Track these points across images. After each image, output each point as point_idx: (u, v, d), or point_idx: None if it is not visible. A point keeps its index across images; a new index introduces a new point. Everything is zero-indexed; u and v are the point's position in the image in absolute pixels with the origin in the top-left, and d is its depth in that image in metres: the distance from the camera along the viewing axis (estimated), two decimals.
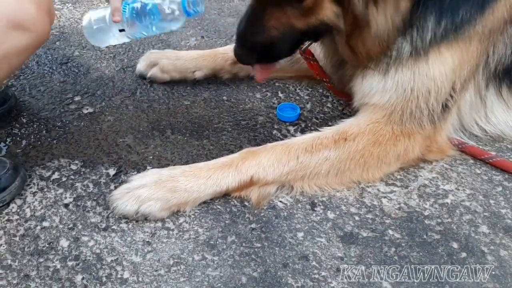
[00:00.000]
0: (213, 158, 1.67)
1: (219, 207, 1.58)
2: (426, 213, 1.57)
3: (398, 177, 1.71)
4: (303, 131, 1.91)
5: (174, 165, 1.68)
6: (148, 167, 1.70)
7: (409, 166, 1.74)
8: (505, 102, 1.84)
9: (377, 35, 1.51)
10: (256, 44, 1.62)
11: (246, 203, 1.59)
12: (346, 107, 2.03)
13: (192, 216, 1.55)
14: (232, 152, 1.72)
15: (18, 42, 1.42)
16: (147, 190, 1.51)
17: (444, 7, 1.53)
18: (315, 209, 1.59)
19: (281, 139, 1.81)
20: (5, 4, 1.39)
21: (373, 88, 1.66)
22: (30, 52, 1.57)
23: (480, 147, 1.82)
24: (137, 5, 1.63)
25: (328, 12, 1.49)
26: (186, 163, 1.70)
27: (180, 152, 1.79)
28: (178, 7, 1.62)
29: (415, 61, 1.59)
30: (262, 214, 1.56)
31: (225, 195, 1.60)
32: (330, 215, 1.57)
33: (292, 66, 2.16)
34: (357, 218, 1.56)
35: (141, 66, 2.14)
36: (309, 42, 1.83)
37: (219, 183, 1.57)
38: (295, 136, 1.86)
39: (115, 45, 2.40)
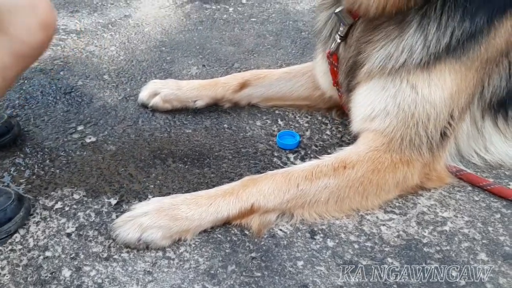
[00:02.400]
0: (213, 186, 1.69)
1: (219, 236, 1.59)
2: (425, 241, 1.58)
3: (397, 204, 1.72)
4: (303, 159, 1.93)
5: (175, 193, 1.70)
6: (149, 196, 1.72)
7: (408, 193, 1.75)
8: (502, 133, 1.85)
9: None
10: None
11: (247, 232, 1.61)
12: (345, 134, 2.06)
13: (193, 245, 1.56)
14: (232, 180, 1.75)
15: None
16: (149, 218, 1.53)
17: (468, 8, 1.50)
18: (315, 237, 1.60)
19: (281, 167, 1.84)
20: None
21: (375, 108, 1.66)
22: (25, 63, 1.56)
23: (478, 173, 1.83)
24: None
25: None
26: (187, 191, 1.72)
27: (181, 180, 1.82)
28: None
29: (420, 73, 1.58)
30: (262, 243, 1.58)
31: (226, 224, 1.62)
32: (330, 243, 1.58)
33: (291, 94, 2.20)
34: (356, 246, 1.57)
35: (143, 95, 2.19)
36: (337, 42, 1.80)
37: (220, 210, 1.59)
38: (295, 164, 1.89)
39: (118, 75, 2.45)
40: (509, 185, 1.80)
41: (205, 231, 1.60)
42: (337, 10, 1.73)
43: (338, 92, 1.96)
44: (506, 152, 1.88)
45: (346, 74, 1.82)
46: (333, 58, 1.86)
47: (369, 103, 1.69)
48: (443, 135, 1.68)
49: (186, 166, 1.88)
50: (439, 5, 1.54)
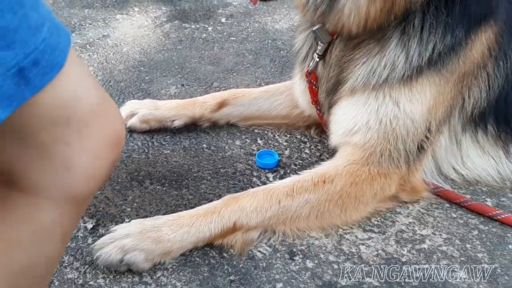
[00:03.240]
0: (192, 208, 1.67)
1: (197, 259, 1.57)
2: (404, 259, 1.58)
3: (376, 223, 1.72)
4: (282, 178, 1.92)
5: (152, 216, 1.68)
6: (126, 220, 1.70)
7: (386, 205, 1.75)
8: (480, 146, 1.88)
9: None
10: None
11: (225, 254, 1.59)
12: (323, 152, 2.06)
13: (170, 269, 1.54)
14: (211, 201, 1.73)
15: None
16: (132, 240, 1.50)
17: (452, 20, 1.54)
18: (294, 258, 1.59)
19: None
20: None
21: (357, 123, 1.67)
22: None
23: (455, 190, 1.85)
24: None
25: None
26: (165, 214, 1.70)
27: (159, 203, 1.79)
28: None
29: (402, 88, 1.61)
30: (241, 265, 1.56)
31: (208, 244, 1.59)
32: (309, 264, 1.57)
33: (270, 112, 2.20)
34: (335, 266, 1.56)
35: None
36: (315, 61, 1.80)
37: (202, 229, 1.57)
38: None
39: None
40: (486, 201, 1.82)
41: (182, 254, 1.57)
42: (314, 28, 1.75)
43: (316, 111, 1.97)
44: (483, 167, 1.90)
45: (327, 92, 1.83)
46: (311, 76, 1.86)
47: (351, 117, 1.70)
48: (420, 148, 1.71)
49: (164, 188, 1.86)
50: (417, 21, 1.58)
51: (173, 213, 1.65)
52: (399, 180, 1.72)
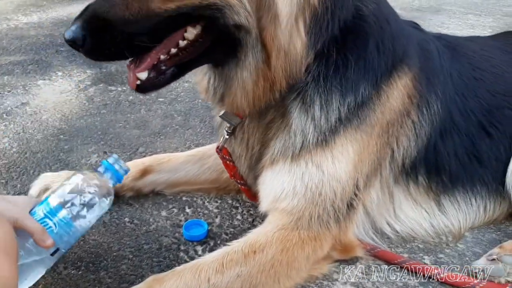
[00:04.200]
0: None
1: None
2: None
3: None
4: (211, 250, 1.77)
5: None
6: None
7: (321, 269, 1.65)
8: (413, 198, 1.83)
9: (286, 40, 1.44)
10: (110, 24, 1.35)
11: None
12: (256, 217, 1.95)
13: None
14: (132, 284, 1.55)
15: None
16: None
17: (348, 81, 1.53)
18: None
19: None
20: None
21: (284, 189, 1.60)
22: None
23: (392, 249, 1.77)
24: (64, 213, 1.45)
25: None
26: None
27: None
28: (99, 183, 1.52)
29: (321, 152, 1.57)
30: None
31: None
32: None
33: (199, 177, 2.08)
34: None
35: (33, 191, 1.96)
36: (226, 138, 1.78)
37: None
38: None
39: (8, 170, 2.22)
40: (424, 259, 1.75)
41: None
42: (220, 114, 1.75)
43: (239, 185, 1.91)
44: (416, 220, 1.85)
45: (249, 167, 1.78)
46: (223, 152, 1.83)
47: (278, 185, 1.63)
48: (350, 207, 1.64)
49: (80, 272, 1.66)
50: (311, 91, 1.56)
51: None
52: (331, 241, 1.64)
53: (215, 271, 1.49)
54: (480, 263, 1.64)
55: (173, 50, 1.48)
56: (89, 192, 1.50)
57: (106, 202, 1.55)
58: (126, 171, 1.61)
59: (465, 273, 1.66)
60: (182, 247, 1.80)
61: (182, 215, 1.97)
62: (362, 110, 1.58)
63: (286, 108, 1.60)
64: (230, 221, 1.94)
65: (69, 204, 1.47)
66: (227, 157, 1.84)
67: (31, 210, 1.45)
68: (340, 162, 1.59)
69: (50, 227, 1.43)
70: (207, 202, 2.06)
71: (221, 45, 1.48)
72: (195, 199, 2.07)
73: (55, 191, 1.50)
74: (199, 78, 1.74)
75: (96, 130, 2.55)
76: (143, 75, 1.47)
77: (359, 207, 1.71)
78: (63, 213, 1.45)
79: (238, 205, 2.04)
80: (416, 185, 1.82)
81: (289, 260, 1.56)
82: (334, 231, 1.62)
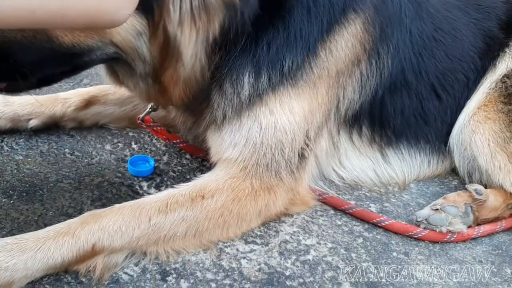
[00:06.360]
0: (46, 226, 1.39)
1: (47, 286, 1.30)
2: (287, 273, 1.45)
3: (258, 233, 1.58)
4: (158, 187, 1.72)
5: None
6: None
7: (271, 220, 1.63)
8: (357, 148, 1.85)
9: (187, 74, 1.43)
10: None
11: (83, 279, 1.33)
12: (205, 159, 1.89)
13: None
14: (71, 216, 1.45)
15: None
16: None
17: (261, 59, 1.50)
18: (167, 278, 1.38)
19: (133, 198, 1.60)
20: None
21: (224, 142, 1.57)
22: None
23: (340, 196, 1.77)
24: None
25: (126, 27, 1.28)
26: (11, 233, 1.41)
27: (4, 219, 1.48)
28: None
29: (254, 112, 1.54)
30: None
31: (65, 270, 1.33)
32: (184, 284, 1.37)
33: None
34: (213, 285, 1.38)
35: None
36: (148, 110, 1.76)
37: (52, 255, 1.29)
38: (149, 193, 1.67)
39: None
40: (370, 207, 1.76)
41: (32, 281, 1.29)
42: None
43: (178, 145, 1.89)
44: (361, 168, 1.87)
45: (188, 130, 1.77)
46: (146, 121, 1.80)
47: (219, 139, 1.60)
48: (301, 156, 1.62)
49: (11, 201, 1.55)
50: (224, 76, 1.52)
51: (21, 232, 1.36)
52: (287, 194, 1.61)
53: (158, 211, 1.43)
54: (424, 212, 1.68)
55: None
56: None
57: None
58: None
59: (408, 222, 1.69)
60: (126, 182, 1.71)
61: (127, 150, 1.87)
62: (295, 73, 1.54)
63: (209, 92, 1.55)
64: (178, 160, 1.87)
65: None
66: (151, 124, 1.80)
67: None
68: (281, 114, 1.55)
69: None
70: (155, 139, 1.96)
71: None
72: (142, 135, 1.97)
73: None
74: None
75: None
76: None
77: (311, 157, 1.70)
78: None
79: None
80: (359, 136, 1.83)
81: (240, 211, 1.52)
82: (289, 182, 1.60)
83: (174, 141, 1.86)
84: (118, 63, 1.43)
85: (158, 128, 1.81)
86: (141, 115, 1.78)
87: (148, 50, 1.36)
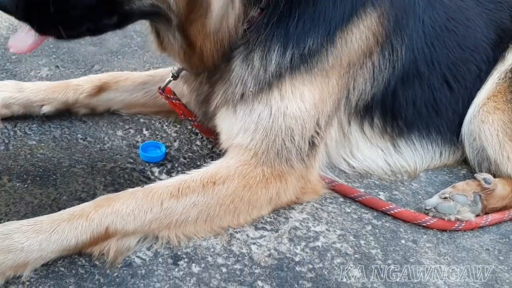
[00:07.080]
0: (60, 210, 1.42)
1: (62, 269, 1.33)
2: (297, 259, 1.47)
3: (268, 220, 1.60)
4: (169, 173, 1.74)
5: (9, 219, 1.40)
6: None
7: (282, 208, 1.65)
8: (368, 139, 1.85)
9: (216, 26, 1.43)
10: None
11: (97, 262, 1.36)
12: (216, 145, 1.90)
13: (28, 283, 1.28)
14: (84, 201, 1.48)
15: None
16: None
17: (290, 34, 1.50)
18: (179, 263, 1.41)
19: (144, 183, 1.62)
20: None
21: (235, 127, 1.58)
22: None
23: (349, 184, 1.79)
24: None
25: None
26: (25, 216, 1.43)
27: (18, 203, 1.50)
28: None
29: (267, 96, 1.55)
30: (115, 274, 1.34)
31: (79, 252, 1.36)
32: (195, 268, 1.40)
33: (158, 100, 1.98)
34: (224, 270, 1.41)
35: None
36: (168, 80, 1.73)
37: (66, 237, 1.32)
38: (160, 179, 1.69)
39: None
40: (379, 195, 1.78)
41: (46, 263, 1.32)
42: (173, 71, 1.74)
43: (193, 123, 1.87)
44: (372, 158, 1.88)
45: (200, 104, 1.75)
46: (166, 92, 1.78)
47: (230, 124, 1.61)
48: (312, 144, 1.63)
49: (26, 185, 1.57)
50: (252, 45, 1.53)
51: (36, 215, 1.38)
52: (298, 182, 1.62)
53: (170, 195, 1.45)
54: (433, 201, 1.69)
55: None
56: None
57: None
58: None
59: (417, 210, 1.71)
60: (137, 168, 1.73)
61: (139, 136, 1.89)
62: (312, 58, 1.55)
63: (230, 62, 1.56)
64: (189, 146, 1.89)
65: None
66: (171, 96, 1.78)
67: None
68: (291, 100, 1.55)
69: None
70: (166, 126, 1.98)
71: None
72: (153, 121, 1.99)
73: None
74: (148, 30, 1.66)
75: (48, 42, 2.35)
76: None
77: (321, 145, 1.70)
78: None
79: (197, 131, 1.97)
80: (371, 126, 1.83)
81: (251, 198, 1.54)
82: (300, 170, 1.61)
83: (189, 118, 1.84)
84: (159, 19, 1.46)
85: (177, 102, 1.79)
86: (162, 85, 1.76)
87: (174, 1, 1.37)
